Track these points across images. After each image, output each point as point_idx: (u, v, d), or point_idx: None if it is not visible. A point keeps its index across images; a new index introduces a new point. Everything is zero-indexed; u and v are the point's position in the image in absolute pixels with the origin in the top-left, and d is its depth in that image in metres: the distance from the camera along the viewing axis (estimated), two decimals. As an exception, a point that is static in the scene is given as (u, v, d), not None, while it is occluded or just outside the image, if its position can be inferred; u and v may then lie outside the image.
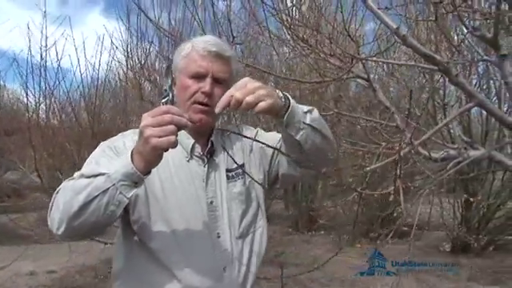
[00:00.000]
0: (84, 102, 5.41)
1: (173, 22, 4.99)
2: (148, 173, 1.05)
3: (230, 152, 1.37)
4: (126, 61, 5.34)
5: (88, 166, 1.16)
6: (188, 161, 1.31)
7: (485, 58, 2.12)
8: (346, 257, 5.81)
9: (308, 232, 7.13)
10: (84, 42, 5.33)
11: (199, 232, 1.25)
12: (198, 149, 1.33)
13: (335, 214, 6.94)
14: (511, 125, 1.71)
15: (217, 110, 1.05)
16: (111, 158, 1.19)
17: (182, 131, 1.28)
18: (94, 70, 5.41)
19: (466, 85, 1.72)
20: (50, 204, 1.11)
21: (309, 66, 3.24)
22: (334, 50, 2.56)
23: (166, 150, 1.00)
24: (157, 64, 5.31)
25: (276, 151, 1.39)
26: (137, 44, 5.26)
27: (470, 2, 1.72)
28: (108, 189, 1.03)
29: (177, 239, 1.23)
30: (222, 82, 1.29)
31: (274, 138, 1.42)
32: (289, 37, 2.84)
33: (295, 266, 5.05)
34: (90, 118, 4.95)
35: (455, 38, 2.99)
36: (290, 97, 1.18)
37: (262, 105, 1.05)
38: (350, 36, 2.36)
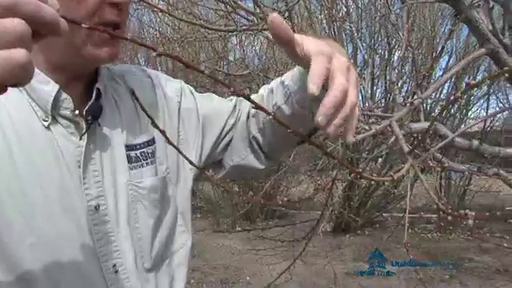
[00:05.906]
0: None
1: None
2: None
3: (130, 116, 0.75)
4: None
5: None
6: (47, 126, 0.66)
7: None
8: (227, 241, 5.42)
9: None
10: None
11: (77, 267, 0.65)
12: (68, 103, 0.67)
13: (212, 196, 6.48)
14: None
15: (313, 89, 0.49)
16: None
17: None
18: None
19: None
20: None
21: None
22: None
23: (4, 89, 0.37)
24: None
25: (229, 123, 0.86)
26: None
27: None
28: None
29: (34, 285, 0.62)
30: None
31: (221, 106, 0.87)
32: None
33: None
34: None
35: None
36: None
37: (354, 99, 0.54)
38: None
